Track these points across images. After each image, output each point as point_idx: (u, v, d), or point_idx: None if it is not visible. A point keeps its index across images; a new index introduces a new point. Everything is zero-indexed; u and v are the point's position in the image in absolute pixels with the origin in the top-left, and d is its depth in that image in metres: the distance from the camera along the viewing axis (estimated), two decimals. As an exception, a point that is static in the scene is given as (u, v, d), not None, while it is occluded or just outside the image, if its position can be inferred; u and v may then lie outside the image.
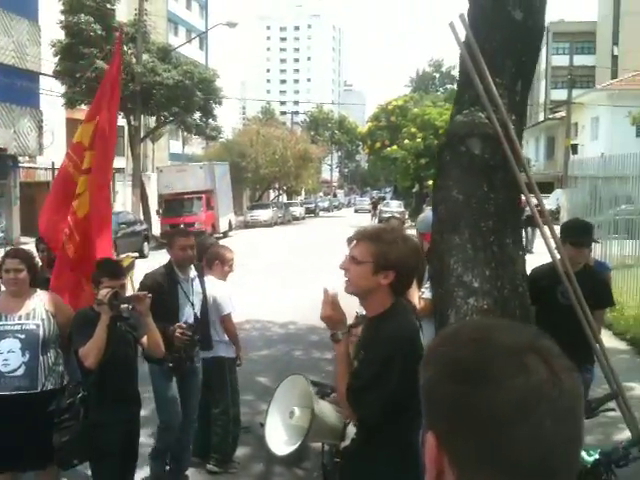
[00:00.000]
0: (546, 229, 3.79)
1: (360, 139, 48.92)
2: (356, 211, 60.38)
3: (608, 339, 9.25)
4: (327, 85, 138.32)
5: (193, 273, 5.02)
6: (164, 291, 4.69)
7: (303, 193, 65.82)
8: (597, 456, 2.87)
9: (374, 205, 45.79)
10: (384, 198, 57.65)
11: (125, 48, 23.81)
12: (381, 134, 38.48)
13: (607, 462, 2.85)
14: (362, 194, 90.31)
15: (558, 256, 3.77)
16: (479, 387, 0.87)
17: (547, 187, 37.98)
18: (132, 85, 24.61)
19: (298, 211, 49.54)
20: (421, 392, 0.95)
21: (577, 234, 4.59)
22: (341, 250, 3.98)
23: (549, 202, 29.64)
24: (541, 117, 52.66)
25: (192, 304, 4.91)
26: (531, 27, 3.76)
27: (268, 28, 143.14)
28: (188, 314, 4.88)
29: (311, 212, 54.53)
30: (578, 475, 2.85)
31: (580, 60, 53.43)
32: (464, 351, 0.91)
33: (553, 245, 3.75)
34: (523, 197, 3.62)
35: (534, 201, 3.82)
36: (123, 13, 29.44)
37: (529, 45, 3.79)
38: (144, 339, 4.04)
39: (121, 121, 25.37)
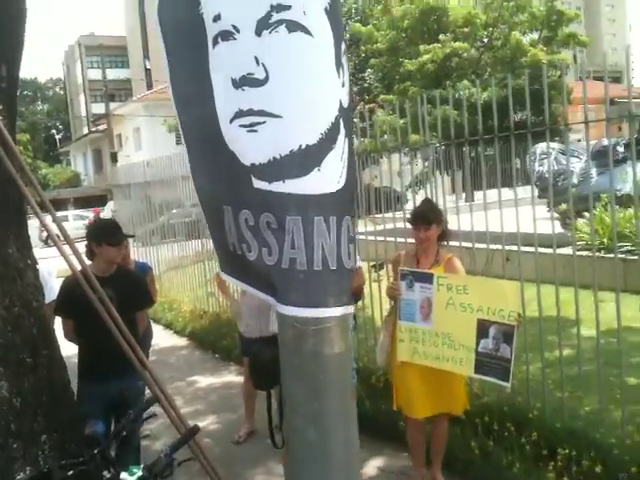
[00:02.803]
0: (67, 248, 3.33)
1: None
2: None
3: (169, 338, 9.40)
4: None
5: None
6: None
7: None
8: (140, 473, 2.56)
9: None
10: None
11: None
12: None
13: (151, 476, 2.57)
14: None
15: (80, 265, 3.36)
16: None
17: (102, 200, 37.87)
18: None
19: None
20: None
21: (111, 233, 4.30)
22: None
23: (105, 214, 29.46)
24: (85, 131, 52.22)
25: None
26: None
27: None
28: None
29: None
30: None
31: (116, 73, 54.70)
32: None
33: (76, 262, 3.32)
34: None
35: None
36: None
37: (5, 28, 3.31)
38: None
39: None
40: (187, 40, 1.94)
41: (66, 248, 3.21)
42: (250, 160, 1.87)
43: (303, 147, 1.81)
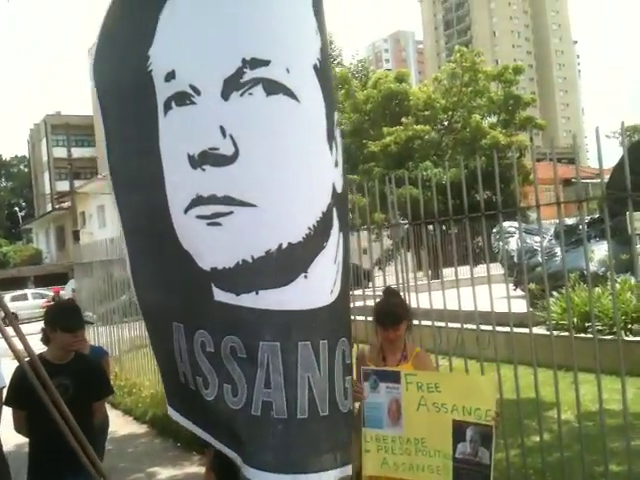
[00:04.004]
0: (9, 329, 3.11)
1: None
2: None
3: (128, 425, 8.90)
4: None
5: None
6: None
7: None
8: None
9: None
10: None
11: None
12: None
13: None
14: None
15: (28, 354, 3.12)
16: None
17: (63, 278, 37.12)
18: None
19: None
20: None
21: (67, 318, 4.06)
22: None
23: (66, 292, 28.74)
24: (49, 208, 51.88)
25: None
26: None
27: None
28: None
29: None
30: None
31: (81, 152, 54.87)
32: None
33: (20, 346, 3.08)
34: None
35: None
36: None
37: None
38: None
39: None
40: (131, 105, 1.47)
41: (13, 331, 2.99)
42: (210, 263, 1.37)
43: (284, 246, 1.36)
